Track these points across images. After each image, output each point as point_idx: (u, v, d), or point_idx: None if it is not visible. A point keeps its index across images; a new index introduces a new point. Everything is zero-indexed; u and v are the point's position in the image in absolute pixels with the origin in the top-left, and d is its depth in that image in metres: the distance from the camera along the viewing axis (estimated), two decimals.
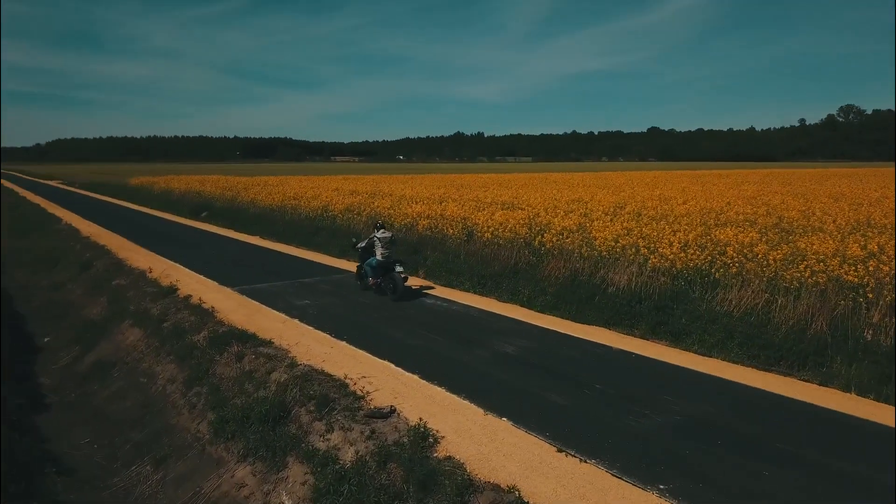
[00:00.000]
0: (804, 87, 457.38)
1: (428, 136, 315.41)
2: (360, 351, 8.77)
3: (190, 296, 12.09)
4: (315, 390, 7.21)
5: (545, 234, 15.10)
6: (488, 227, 16.68)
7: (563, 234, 14.92)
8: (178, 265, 15.56)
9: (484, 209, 20.76)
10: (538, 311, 11.22)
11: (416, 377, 7.72)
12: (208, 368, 8.69)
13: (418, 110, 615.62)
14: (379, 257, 12.28)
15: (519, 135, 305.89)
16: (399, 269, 12.12)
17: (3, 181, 65.12)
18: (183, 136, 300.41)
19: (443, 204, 22.91)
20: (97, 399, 9.57)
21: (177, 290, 12.69)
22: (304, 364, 8.18)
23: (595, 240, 13.87)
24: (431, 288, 13.26)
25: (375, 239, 12.38)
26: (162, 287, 12.93)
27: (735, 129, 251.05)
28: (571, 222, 16.21)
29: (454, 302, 11.83)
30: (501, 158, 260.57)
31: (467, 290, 12.89)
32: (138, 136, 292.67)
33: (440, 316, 10.85)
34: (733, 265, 10.56)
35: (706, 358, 8.46)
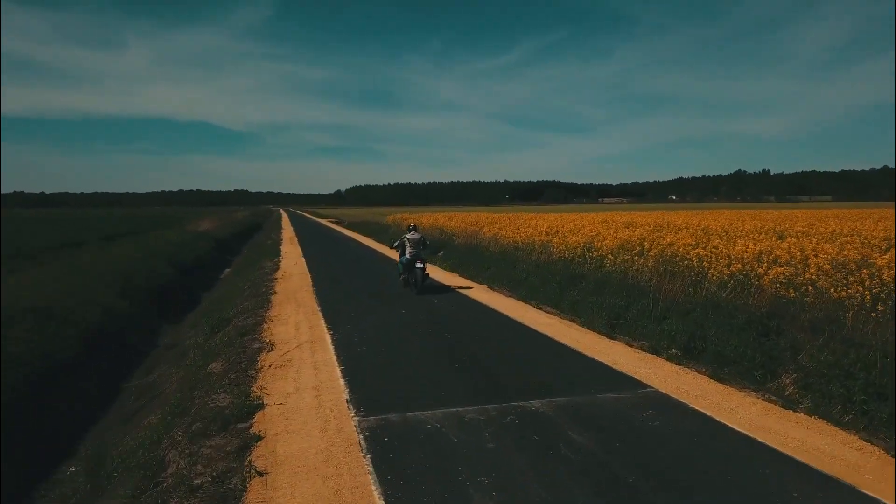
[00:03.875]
0: None
1: (703, 176, 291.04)
2: None
3: (260, 438, 5.20)
4: None
5: None
6: None
7: None
8: (326, 337, 8.96)
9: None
10: None
11: None
12: None
13: (692, 149, 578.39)
14: (407, 255, 13.43)
15: (813, 171, 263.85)
16: (419, 265, 13.17)
17: (285, 218, 69.83)
18: (458, 182, 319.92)
19: (789, 240, 13.54)
20: None
21: (259, 407, 5.91)
22: None
23: None
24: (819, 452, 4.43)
25: (406, 239, 13.63)
26: (241, 397, 6.21)
27: None
28: None
29: None
30: (793, 198, 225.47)
31: None
32: (420, 182, 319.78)
33: None
34: None
35: None
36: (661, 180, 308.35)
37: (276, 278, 16.30)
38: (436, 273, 17.29)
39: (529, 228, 21.59)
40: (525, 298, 12.52)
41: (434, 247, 24.55)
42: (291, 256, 22.90)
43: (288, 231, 44.03)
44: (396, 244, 13.98)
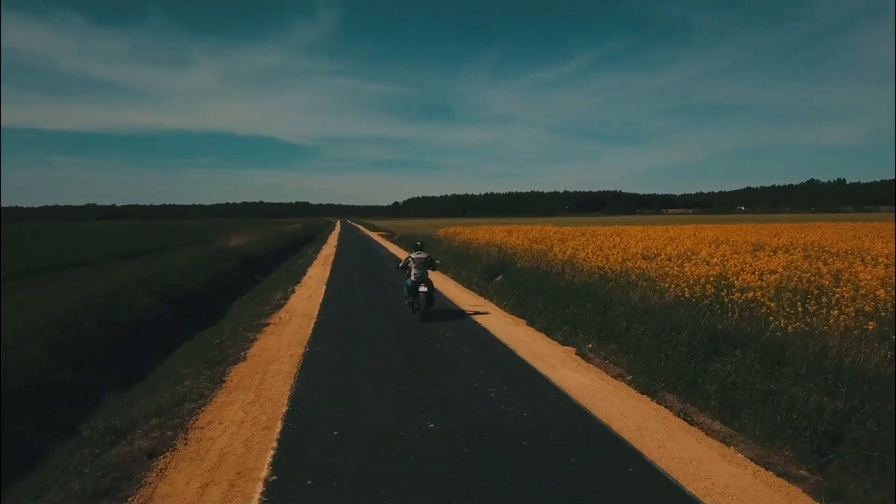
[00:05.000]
0: None
1: (773, 185, 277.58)
2: None
3: None
4: None
5: None
6: None
7: None
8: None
9: None
10: None
11: None
12: None
13: (759, 159, 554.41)
14: (412, 277, 12.22)
15: (893, 180, 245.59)
16: (423, 289, 11.90)
17: (335, 232, 66.30)
18: (515, 192, 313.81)
19: None
20: None
21: None
22: None
23: None
24: None
25: (411, 259, 12.36)
26: None
27: None
28: None
29: None
30: (872, 208, 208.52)
31: None
32: (476, 193, 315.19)
33: None
34: None
35: None
36: (726, 190, 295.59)
37: (268, 324, 11.64)
38: (494, 318, 12.23)
39: (617, 249, 16.27)
40: (650, 387, 7.27)
41: (496, 269, 19.68)
42: (312, 284, 18.29)
43: (329, 247, 39.78)
44: (402, 265, 12.85)
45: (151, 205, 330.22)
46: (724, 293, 10.02)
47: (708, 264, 11.99)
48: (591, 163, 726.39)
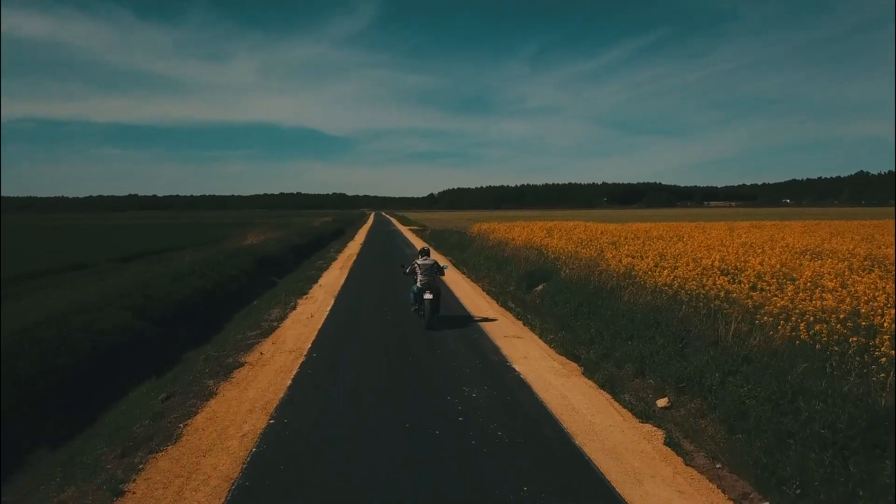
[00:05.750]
0: None
1: (819, 178, 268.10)
2: None
3: None
4: None
5: None
6: None
7: None
8: None
9: None
10: None
11: None
12: None
13: (805, 151, 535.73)
14: (418, 284, 12.10)
15: None
16: (428, 296, 11.71)
17: (367, 226, 64.09)
18: (553, 184, 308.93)
19: None
20: None
21: None
22: None
23: None
24: None
25: (417, 265, 12.25)
26: None
27: None
28: None
29: None
30: None
31: None
32: (513, 185, 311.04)
33: None
34: None
35: None
36: (770, 182, 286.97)
37: (242, 363, 9.01)
38: (538, 362, 9.34)
39: (686, 260, 13.16)
40: None
41: (535, 277, 16.87)
42: (320, 297, 15.65)
43: (355, 244, 37.22)
44: (408, 270, 12.65)
45: (192, 195, 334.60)
46: (870, 341, 7.02)
47: (825, 290, 8.93)
48: (630, 155, 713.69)
